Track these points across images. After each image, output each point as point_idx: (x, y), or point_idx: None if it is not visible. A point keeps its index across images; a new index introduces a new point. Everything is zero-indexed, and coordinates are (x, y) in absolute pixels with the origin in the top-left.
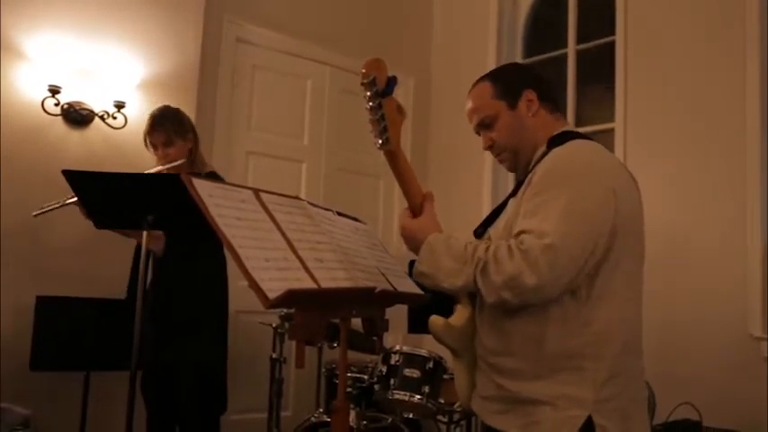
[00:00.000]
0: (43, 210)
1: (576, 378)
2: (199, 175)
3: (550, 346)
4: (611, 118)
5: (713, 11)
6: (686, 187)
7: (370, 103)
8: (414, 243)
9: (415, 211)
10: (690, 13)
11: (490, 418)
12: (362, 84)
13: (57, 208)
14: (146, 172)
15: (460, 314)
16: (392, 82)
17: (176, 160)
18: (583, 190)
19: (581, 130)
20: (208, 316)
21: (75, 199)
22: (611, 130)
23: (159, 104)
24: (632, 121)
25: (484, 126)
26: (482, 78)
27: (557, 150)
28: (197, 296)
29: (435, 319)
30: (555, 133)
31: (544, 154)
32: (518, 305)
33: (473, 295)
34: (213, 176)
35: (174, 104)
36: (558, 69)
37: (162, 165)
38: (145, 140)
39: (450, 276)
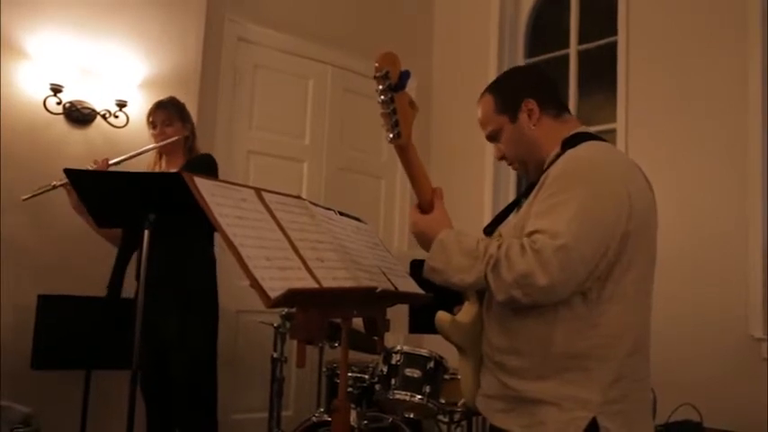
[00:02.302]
0: (33, 194)
1: (582, 379)
2: (193, 163)
3: (558, 347)
4: (612, 118)
5: (715, 12)
6: (688, 188)
7: (382, 97)
8: (425, 239)
9: (425, 206)
10: (691, 13)
11: (494, 416)
12: (375, 77)
13: (47, 191)
14: (141, 150)
15: (467, 311)
16: (405, 76)
17: (172, 137)
18: (597, 191)
19: (589, 130)
20: (198, 306)
21: (64, 182)
22: (613, 131)
23: None
24: (634, 121)
25: (492, 138)
26: (486, 90)
27: (571, 152)
28: (188, 284)
29: (442, 315)
30: (568, 135)
31: (558, 155)
32: (527, 304)
33: (481, 292)
34: (206, 157)
35: None
36: (560, 70)
37: (157, 142)
38: (147, 120)
39: (461, 272)
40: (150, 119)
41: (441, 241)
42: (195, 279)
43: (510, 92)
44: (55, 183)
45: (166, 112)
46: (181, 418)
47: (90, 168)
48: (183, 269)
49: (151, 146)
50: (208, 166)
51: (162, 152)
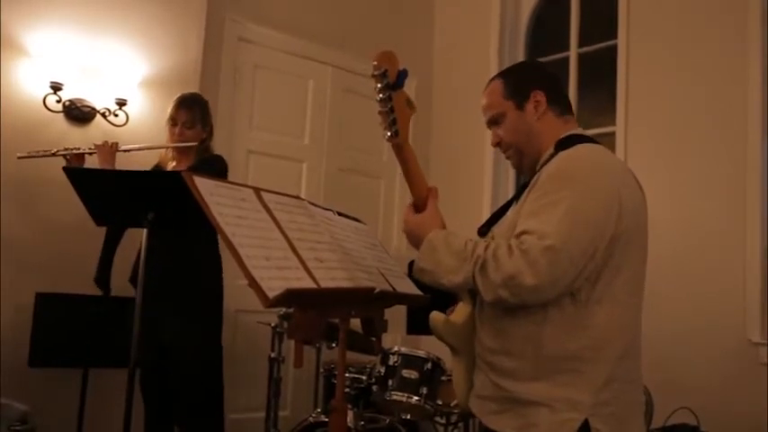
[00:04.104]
0: (29, 155)
1: (573, 381)
2: (202, 163)
3: (548, 348)
4: (612, 121)
5: (715, 14)
6: (686, 192)
7: (380, 96)
8: (415, 239)
9: (420, 205)
10: (691, 16)
11: (487, 417)
12: (373, 75)
13: (45, 156)
14: (156, 145)
15: (461, 311)
16: (403, 75)
17: (190, 142)
18: (587, 193)
19: (584, 132)
20: (204, 305)
21: (66, 152)
22: (613, 134)
23: (161, 103)
24: (633, 124)
25: (493, 123)
26: (496, 76)
27: (563, 153)
28: (194, 284)
29: (436, 316)
30: (562, 136)
31: (551, 156)
32: (516, 304)
33: (474, 293)
34: (218, 159)
35: None
36: (561, 72)
37: (174, 142)
38: (169, 115)
39: (449, 273)
40: (172, 114)
41: (429, 242)
42: (202, 279)
43: (521, 80)
44: (56, 150)
45: (190, 114)
46: (184, 420)
47: (94, 146)
48: (189, 269)
49: (168, 144)
50: (217, 169)
51: (175, 150)
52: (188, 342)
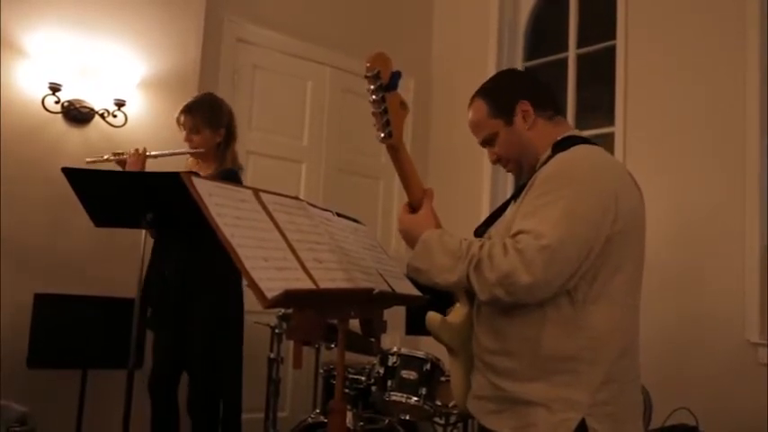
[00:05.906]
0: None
1: (571, 381)
2: (221, 173)
3: (546, 349)
4: (610, 122)
5: (713, 15)
6: (685, 192)
7: (374, 97)
8: (410, 238)
9: (415, 206)
10: (690, 17)
11: (485, 418)
12: (366, 77)
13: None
14: (177, 150)
15: (458, 312)
16: (396, 76)
17: (198, 148)
18: (583, 194)
19: (581, 133)
20: (223, 312)
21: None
22: (611, 134)
23: (159, 104)
24: (632, 125)
25: (487, 143)
26: (477, 95)
27: (561, 155)
28: (213, 291)
29: (433, 316)
30: (559, 138)
31: (549, 158)
32: (510, 304)
33: (471, 294)
34: (230, 174)
35: (174, 104)
36: (559, 73)
37: (187, 147)
38: (177, 120)
39: (444, 272)
40: (180, 120)
41: (424, 241)
42: (216, 280)
43: (504, 95)
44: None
45: (192, 120)
46: (198, 414)
47: (129, 153)
48: (202, 270)
49: (187, 150)
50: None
51: (194, 157)
52: (206, 344)
